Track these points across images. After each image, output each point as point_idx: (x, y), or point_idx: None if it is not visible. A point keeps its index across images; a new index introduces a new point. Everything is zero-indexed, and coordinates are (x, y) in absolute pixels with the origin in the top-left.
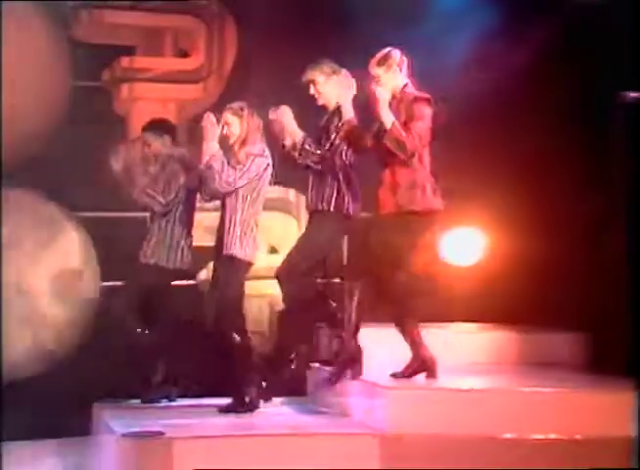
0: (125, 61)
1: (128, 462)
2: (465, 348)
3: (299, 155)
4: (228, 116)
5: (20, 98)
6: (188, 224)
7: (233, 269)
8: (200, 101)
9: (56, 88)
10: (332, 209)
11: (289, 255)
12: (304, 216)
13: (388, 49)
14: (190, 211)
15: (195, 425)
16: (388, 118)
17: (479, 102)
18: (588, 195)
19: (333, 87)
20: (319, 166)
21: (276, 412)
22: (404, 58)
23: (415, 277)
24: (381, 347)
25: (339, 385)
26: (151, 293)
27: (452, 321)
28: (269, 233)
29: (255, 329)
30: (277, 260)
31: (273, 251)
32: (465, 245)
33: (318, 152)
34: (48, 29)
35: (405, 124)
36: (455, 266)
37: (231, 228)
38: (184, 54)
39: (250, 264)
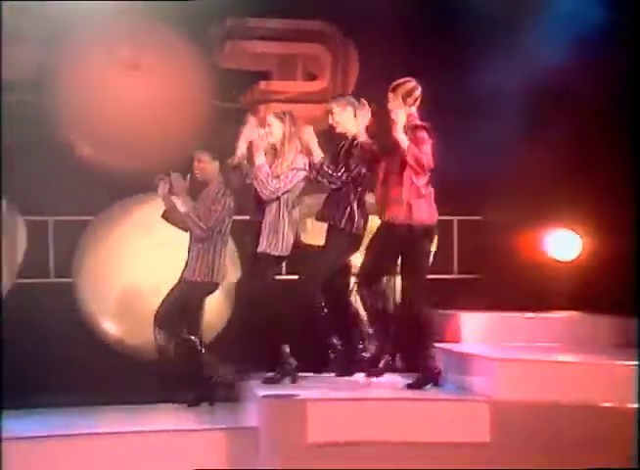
0: (262, 84)
1: (269, 419)
2: (563, 331)
3: (318, 174)
4: (271, 118)
5: (170, 116)
6: (225, 242)
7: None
8: (325, 119)
9: (202, 108)
10: (342, 226)
11: (311, 266)
12: None
13: (404, 79)
14: (227, 228)
15: (326, 391)
16: (404, 139)
17: (576, 107)
18: None
19: (349, 117)
20: (334, 186)
21: (396, 384)
22: (417, 89)
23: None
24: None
25: (451, 360)
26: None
27: (554, 308)
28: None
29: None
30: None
31: None
32: (565, 243)
33: (335, 174)
34: (196, 57)
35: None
36: (557, 261)
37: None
38: (312, 77)
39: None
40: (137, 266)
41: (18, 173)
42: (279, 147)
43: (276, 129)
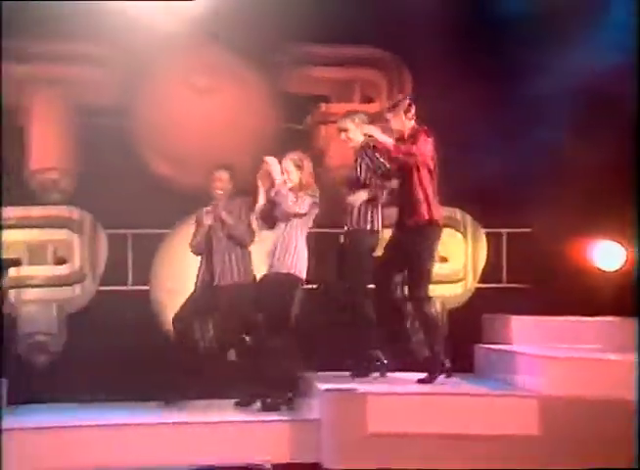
0: (323, 107)
1: (331, 411)
2: (607, 334)
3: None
4: (289, 164)
5: (240, 137)
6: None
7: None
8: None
9: (268, 129)
10: (367, 227)
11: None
12: (470, 230)
13: (399, 98)
14: None
15: (383, 386)
16: (387, 140)
17: (625, 117)
18: None
19: (360, 134)
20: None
21: (449, 381)
22: (413, 106)
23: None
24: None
25: (501, 360)
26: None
27: (598, 314)
28: (442, 246)
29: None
30: (447, 268)
31: (443, 260)
32: (610, 254)
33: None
34: (263, 82)
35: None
36: (602, 271)
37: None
38: (369, 100)
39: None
40: None
41: (101, 190)
42: (298, 187)
43: (293, 176)
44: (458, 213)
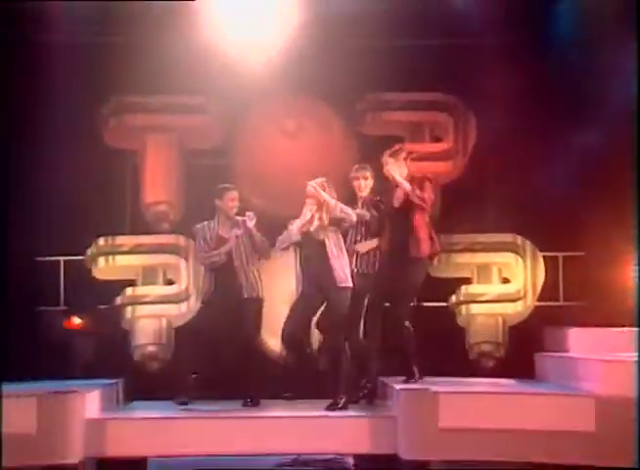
0: (397, 147)
1: (406, 408)
2: None
3: None
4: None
5: (324, 174)
6: None
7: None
8: (449, 174)
9: (349, 167)
10: (372, 271)
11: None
12: (529, 255)
13: (398, 145)
14: None
15: (455, 387)
16: (406, 183)
17: None
18: None
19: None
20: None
21: (510, 384)
22: (410, 152)
23: None
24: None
25: (560, 366)
26: None
27: None
28: (504, 268)
29: (490, 339)
30: (508, 288)
31: (505, 281)
32: None
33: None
34: (344, 126)
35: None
36: None
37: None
38: (437, 140)
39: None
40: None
41: (204, 220)
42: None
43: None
44: (518, 239)
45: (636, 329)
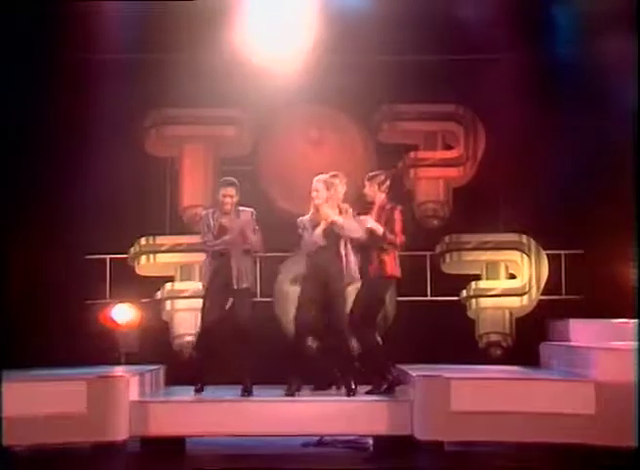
0: (412, 154)
1: (422, 393)
2: None
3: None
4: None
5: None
6: None
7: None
8: (460, 179)
9: (367, 173)
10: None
11: None
12: (534, 253)
13: (378, 171)
14: None
15: (466, 373)
16: (379, 227)
17: None
18: None
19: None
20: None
21: (516, 371)
22: (388, 179)
23: None
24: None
25: (563, 353)
26: None
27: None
28: (511, 265)
29: (498, 330)
30: (514, 284)
31: (512, 277)
32: None
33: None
34: (363, 135)
35: (386, 224)
36: None
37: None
38: (449, 147)
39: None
40: None
41: None
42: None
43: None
44: (524, 238)
45: (636, 321)
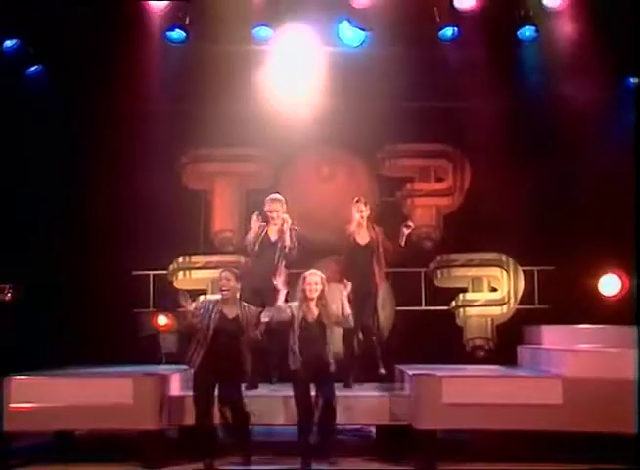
0: (408, 186)
1: (417, 388)
2: (607, 336)
3: None
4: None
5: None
6: None
7: None
8: (449, 206)
9: (370, 202)
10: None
11: None
12: (512, 269)
13: (359, 197)
14: None
15: (455, 372)
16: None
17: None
18: None
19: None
20: None
21: (497, 369)
22: (367, 204)
23: None
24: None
25: (536, 355)
26: None
27: (603, 323)
28: (492, 279)
29: (482, 335)
30: (495, 295)
31: (493, 289)
32: (610, 284)
33: None
34: (366, 170)
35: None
36: (604, 295)
37: None
38: (440, 180)
39: None
40: None
41: None
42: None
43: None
44: (504, 257)
45: (636, 328)
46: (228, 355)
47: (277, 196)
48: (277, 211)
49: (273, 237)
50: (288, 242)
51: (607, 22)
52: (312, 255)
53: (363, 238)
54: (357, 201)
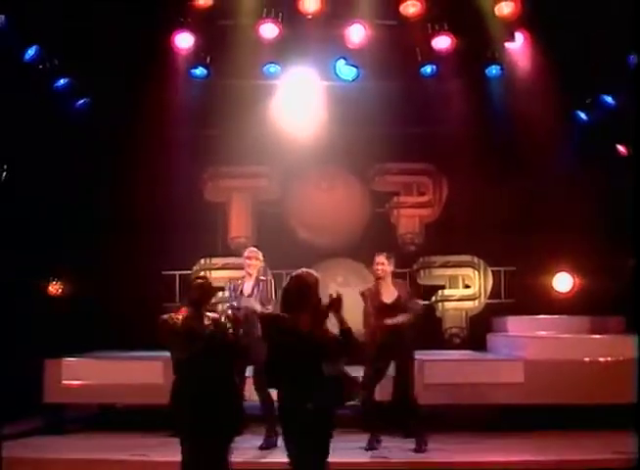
0: (395, 198)
1: None
2: (563, 325)
3: None
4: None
5: (346, 216)
6: None
7: None
8: (430, 216)
9: (363, 212)
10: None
11: None
12: (482, 269)
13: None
14: None
15: (435, 356)
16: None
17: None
18: None
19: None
20: None
21: (470, 354)
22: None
23: None
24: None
25: (503, 341)
26: None
27: (558, 313)
28: (466, 278)
29: (457, 325)
30: (468, 292)
31: (467, 286)
32: (564, 281)
33: None
34: (360, 185)
35: None
36: (559, 292)
37: None
38: (422, 194)
39: None
40: None
41: (270, 248)
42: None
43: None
44: (475, 259)
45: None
46: None
47: (253, 249)
48: (253, 259)
49: (247, 291)
50: (263, 293)
51: (558, 61)
52: (312, 256)
53: (388, 296)
54: (378, 254)
